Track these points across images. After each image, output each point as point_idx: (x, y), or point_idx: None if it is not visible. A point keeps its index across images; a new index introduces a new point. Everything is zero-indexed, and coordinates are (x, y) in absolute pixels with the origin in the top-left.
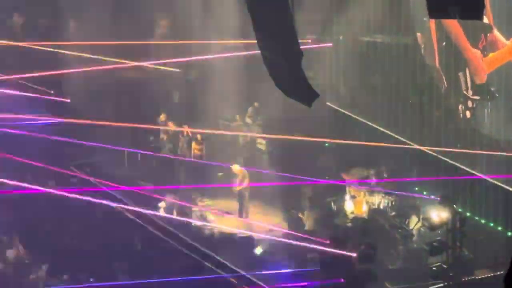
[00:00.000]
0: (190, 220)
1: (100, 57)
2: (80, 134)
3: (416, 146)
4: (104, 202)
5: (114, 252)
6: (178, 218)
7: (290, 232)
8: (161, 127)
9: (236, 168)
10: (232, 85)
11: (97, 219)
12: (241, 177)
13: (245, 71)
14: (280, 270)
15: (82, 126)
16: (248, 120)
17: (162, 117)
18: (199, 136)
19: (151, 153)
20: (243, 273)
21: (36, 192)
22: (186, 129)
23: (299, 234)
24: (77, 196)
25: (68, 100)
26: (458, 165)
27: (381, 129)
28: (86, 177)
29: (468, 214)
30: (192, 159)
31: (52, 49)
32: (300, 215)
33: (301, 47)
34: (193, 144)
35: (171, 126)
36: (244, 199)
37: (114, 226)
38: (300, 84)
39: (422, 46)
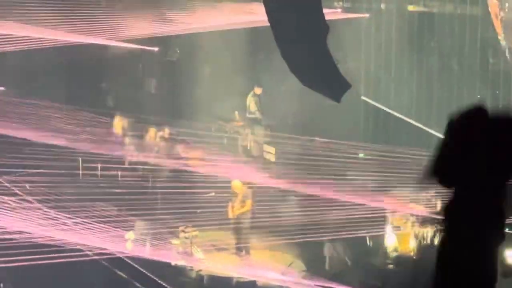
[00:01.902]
0: (170, 259)
1: (44, 28)
2: (17, 135)
3: None
4: (48, 234)
5: None
6: (153, 256)
7: (308, 278)
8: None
9: (236, 185)
10: (228, 69)
11: (39, 258)
12: (242, 197)
13: (247, 49)
14: None
15: (20, 124)
16: (251, 116)
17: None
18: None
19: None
20: None
21: None
22: (165, 131)
23: (321, 279)
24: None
25: (2, 88)
26: None
27: (437, 133)
28: (23, 196)
29: None
30: (173, 172)
31: None
32: (329, 252)
33: (326, 19)
34: (179, 149)
35: (150, 130)
36: (244, 230)
37: (64, 267)
38: (324, 69)
39: (497, 19)
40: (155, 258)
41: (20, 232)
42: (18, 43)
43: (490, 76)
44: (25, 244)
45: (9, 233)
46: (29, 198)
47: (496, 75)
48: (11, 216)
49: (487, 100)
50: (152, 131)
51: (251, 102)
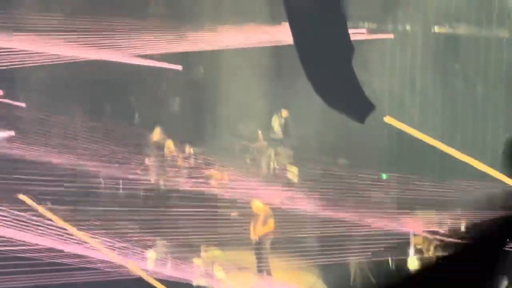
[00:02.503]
0: (191, 279)
1: (67, 45)
2: (38, 153)
3: None
4: (70, 249)
5: None
6: (174, 275)
7: None
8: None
9: (257, 205)
10: (252, 88)
11: (60, 275)
12: (264, 217)
13: (271, 69)
14: None
15: (41, 143)
16: (274, 137)
17: (157, 134)
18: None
19: (139, 183)
20: None
21: None
22: (188, 149)
23: None
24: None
25: (23, 105)
26: None
27: (460, 156)
28: (43, 212)
29: None
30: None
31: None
32: (354, 269)
33: (352, 39)
34: (213, 172)
35: (170, 147)
36: (266, 250)
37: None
38: (349, 90)
39: None
40: (176, 277)
41: (40, 250)
42: (37, 58)
43: None
44: (48, 262)
45: (32, 251)
46: (51, 214)
47: None
48: (33, 232)
49: None
50: (170, 144)
51: (275, 122)
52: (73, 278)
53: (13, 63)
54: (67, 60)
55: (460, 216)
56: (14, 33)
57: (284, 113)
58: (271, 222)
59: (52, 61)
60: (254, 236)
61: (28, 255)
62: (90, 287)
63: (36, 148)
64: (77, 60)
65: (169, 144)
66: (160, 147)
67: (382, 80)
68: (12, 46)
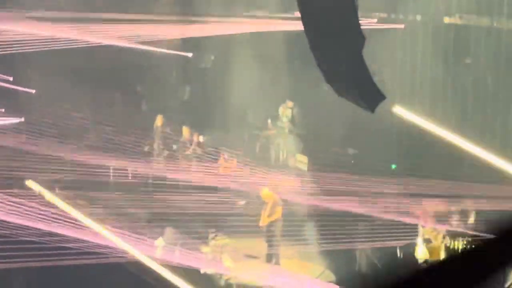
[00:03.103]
0: (199, 267)
1: (71, 28)
2: (47, 139)
3: None
4: (77, 236)
5: None
6: (182, 263)
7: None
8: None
9: (265, 193)
10: (262, 76)
11: (66, 262)
12: (272, 206)
13: (282, 57)
14: None
15: (51, 129)
16: (282, 126)
17: (159, 120)
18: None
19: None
20: None
21: None
22: (197, 138)
23: None
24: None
25: (33, 91)
26: None
27: (470, 147)
28: (50, 199)
29: None
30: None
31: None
32: (360, 255)
33: (362, 27)
34: (221, 161)
35: (186, 134)
36: (274, 238)
37: (91, 273)
38: (359, 80)
39: None
40: (184, 265)
41: (50, 234)
42: (42, 43)
43: None
44: (54, 246)
45: (38, 234)
46: (59, 202)
47: None
48: (40, 219)
49: None
50: (186, 131)
51: (283, 113)
52: (81, 260)
53: (23, 48)
54: (77, 45)
55: (469, 207)
56: (27, 15)
57: (290, 104)
58: (279, 210)
59: (61, 46)
60: (262, 224)
61: (35, 239)
62: (98, 273)
63: (45, 135)
64: (88, 46)
65: (185, 130)
66: (168, 134)
67: (392, 70)
68: (23, 31)
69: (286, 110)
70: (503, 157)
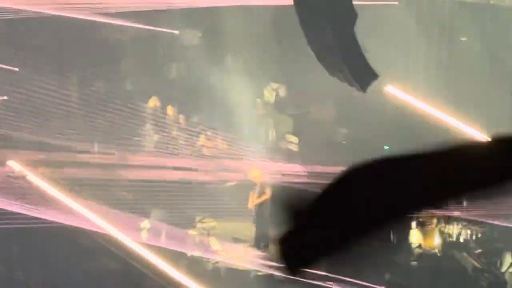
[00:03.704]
0: (186, 250)
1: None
2: (29, 119)
3: None
4: (58, 220)
5: None
6: (168, 246)
7: (327, 273)
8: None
9: (254, 173)
10: (251, 54)
11: (45, 245)
12: (261, 187)
13: (272, 35)
14: None
15: (34, 108)
16: (270, 106)
17: (152, 102)
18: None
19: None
20: None
21: None
22: (184, 118)
23: (340, 276)
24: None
25: (16, 69)
26: None
27: (463, 128)
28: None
29: None
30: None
31: None
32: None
33: (354, 3)
34: (203, 140)
35: (171, 113)
36: (263, 221)
37: (72, 255)
38: (351, 58)
39: None
40: (170, 247)
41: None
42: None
43: None
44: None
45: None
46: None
47: None
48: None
49: None
50: (170, 110)
51: (268, 95)
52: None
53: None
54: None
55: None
56: None
57: (274, 85)
58: (268, 191)
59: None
60: (251, 206)
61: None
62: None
63: (29, 114)
64: (72, 22)
65: (170, 109)
66: (156, 114)
67: (385, 48)
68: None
69: (270, 92)
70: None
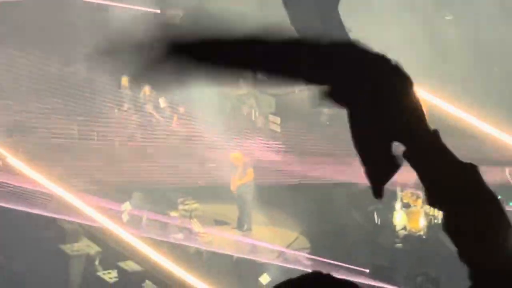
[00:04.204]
0: (167, 232)
1: None
2: (9, 97)
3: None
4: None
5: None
6: (150, 228)
7: (311, 256)
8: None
9: (236, 156)
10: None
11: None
12: (243, 169)
13: (254, 14)
14: None
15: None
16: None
17: (125, 80)
18: (181, 109)
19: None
20: None
21: None
22: (163, 100)
23: (324, 258)
24: None
25: None
26: None
27: (452, 108)
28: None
29: None
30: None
31: None
32: None
33: None
34: (176, 120)
35: (146, 92)
36: (246, 203)
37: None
38: (335, 36)
39: None
40: (152, 230)
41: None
42: None
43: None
44: None
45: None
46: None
47: None
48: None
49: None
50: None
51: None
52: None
53: None
54: None
55: None
56: None
57: None
58: (250, 173)
59: None
60: (233, 188)
61: None
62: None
63: (9, 92)
64: (53, 2)
65: (145, 89)
66: (132, 95)
67: (369, 27)
68: None
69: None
70: (484, 119)
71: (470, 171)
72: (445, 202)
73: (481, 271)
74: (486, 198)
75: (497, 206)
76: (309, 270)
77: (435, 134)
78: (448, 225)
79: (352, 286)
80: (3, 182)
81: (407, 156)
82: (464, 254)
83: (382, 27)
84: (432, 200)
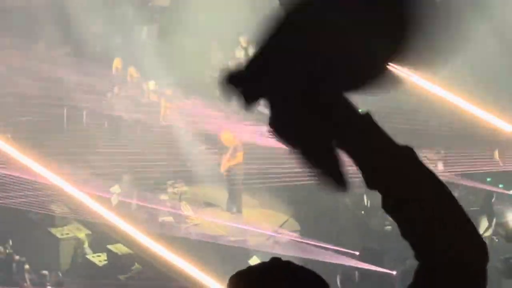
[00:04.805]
0: (156, 214)
1: None
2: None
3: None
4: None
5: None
6: (139, 211)
7: (302, 239)
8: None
9: (226, 137)
10: (223, 15)
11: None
12: (233, 150)
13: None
14: None
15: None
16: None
17: (118, 62)
18: (169, 92)
19: None
20: None
21: None
22: (153, 84)
23: (314, 241)
24: None
25: None
26: None
27: (439, 93)
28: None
29: None
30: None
31: None
32: None
33: None
34: (163, 103)
35: (132, 74)
36: (236, 185)
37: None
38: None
39: None
40: (141, 213)
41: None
42: None
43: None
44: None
45: None
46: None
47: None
48: None
49: None
50: (132, 70)
51: (239, 56)
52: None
53: None
54: None
55: (441, 152)
56: None
57: (243, 42)
58: (240, 155)
59: None
60: (223, 169)
61: None
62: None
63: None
64: None
65: (131, 71)
66: (123, 77)
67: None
68: None
69: (239, 52)
70: (473, 102)
71: (405, 153)
72: (382, 184)
73: (423, 251)
74: (423, 179)
75: (437, 187)
76: (299, 253)
77: (366, 118)
78: (387, 207)
79: (309, 273)
80: None
81: (339, 144)
82: (405, 235)
83: None
84: (370, 183)
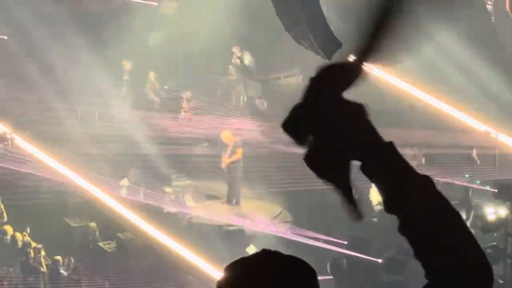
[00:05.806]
0: (162, 206)
1: None
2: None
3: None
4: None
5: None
6: (145, 202)
7: (295, 228)
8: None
9: (225, 135)
10: (224, 22)
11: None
12: (232, 147)
13: (243, 4)
14: None
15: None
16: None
17: (127, 64)
18: (188, 94)
19: None
20: None
21: None
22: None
23: (307, 231)
24: None
25: (5, 37)
26: None
27: (423, 95)
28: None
29: None
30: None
31: None
32: None
33: None
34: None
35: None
36: (235, 179)
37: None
38: (316, 27)
39: None
40: (148, 204)
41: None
42: None
43: None
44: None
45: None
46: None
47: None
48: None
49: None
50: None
51: (238, 62)
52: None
53: None
54: None
55: (422, 150)
56: None
57: (237, 52)
58: (239, 152)
59: None
60: (223, 165)
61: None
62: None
63: (16, 80)
64: None
65: (152, 75)
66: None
67: (349, 18)
68: None
69: (236, 60)
70: (457, 105)
71: (425, 182)
72: (400, 210)
73: (435, 270)
74: (440, 207)
75: (451, 213)
76: (292, 242)
77: (389, 147)
78: (404, 230)
79: (297, 261)
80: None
81: (363, 170)
82: (419, 256)
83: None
84: (389, 207)
